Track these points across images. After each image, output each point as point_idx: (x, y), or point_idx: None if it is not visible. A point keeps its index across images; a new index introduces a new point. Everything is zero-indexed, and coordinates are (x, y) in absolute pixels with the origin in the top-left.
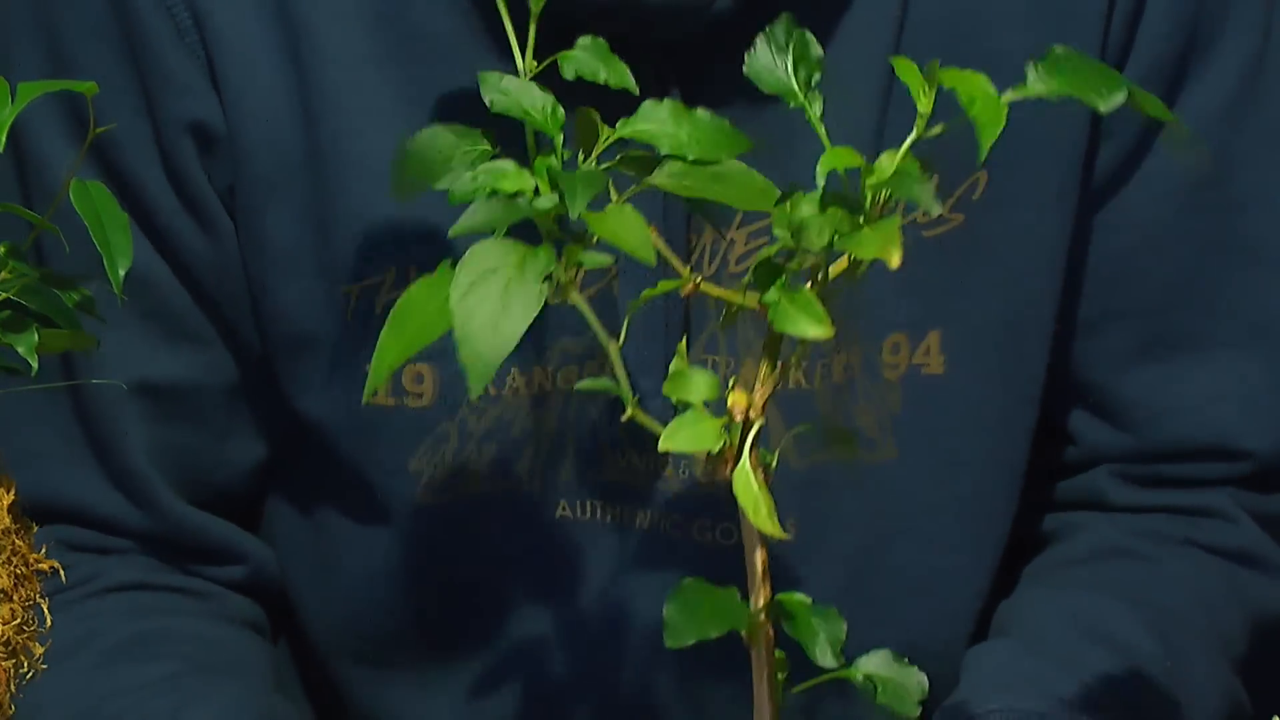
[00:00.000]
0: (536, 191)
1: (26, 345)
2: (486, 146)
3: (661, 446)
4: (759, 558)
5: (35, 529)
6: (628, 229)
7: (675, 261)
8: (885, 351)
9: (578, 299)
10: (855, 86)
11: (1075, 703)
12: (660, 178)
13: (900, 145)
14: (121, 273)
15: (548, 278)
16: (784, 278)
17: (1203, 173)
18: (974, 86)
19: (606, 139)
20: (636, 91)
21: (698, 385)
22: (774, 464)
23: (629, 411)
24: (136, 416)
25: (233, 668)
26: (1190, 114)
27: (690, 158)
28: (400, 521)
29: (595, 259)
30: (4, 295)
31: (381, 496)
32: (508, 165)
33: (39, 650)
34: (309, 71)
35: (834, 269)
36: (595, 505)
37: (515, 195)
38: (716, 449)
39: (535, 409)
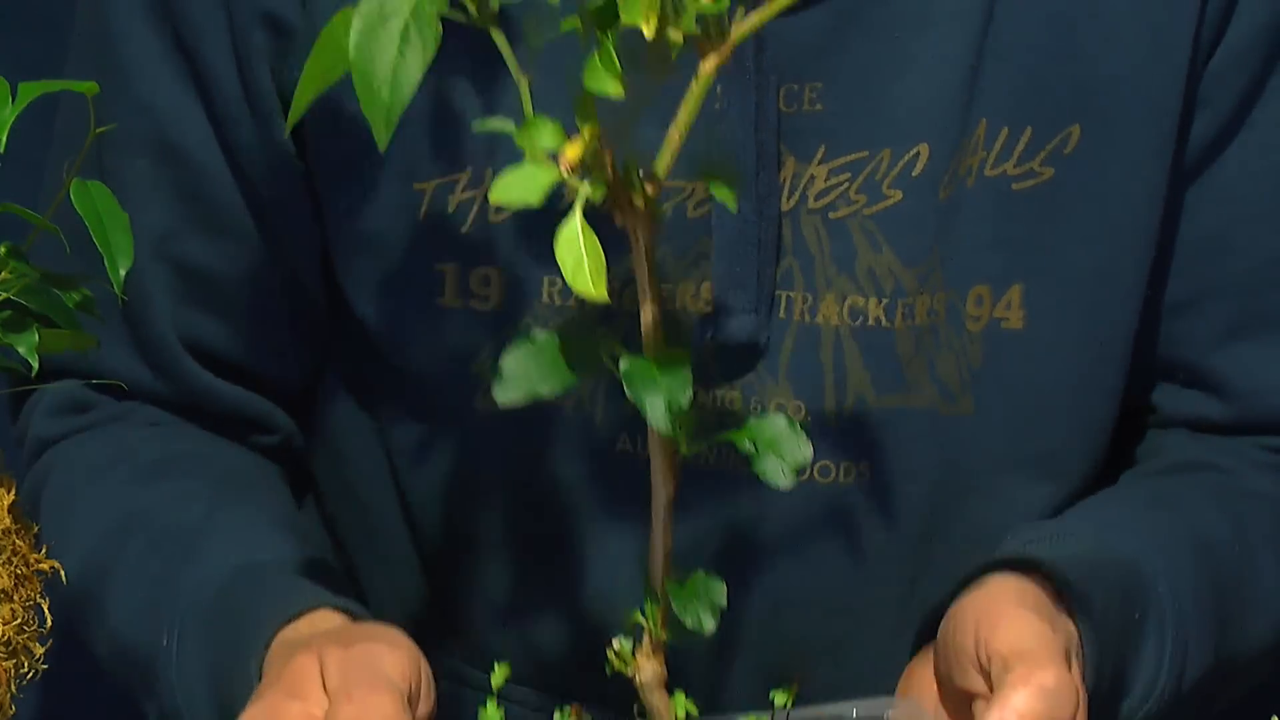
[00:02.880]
0: None
1: (27, 345)
2: None
3: (492, 198)
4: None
5: (36, 528)
6: None
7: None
8: (970, 302)
9: (498, 36)
10: None
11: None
12: None
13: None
14: (122, 272)
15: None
16: (615, 28)
17: None
18: None
19: None
20: None
21: (542, 134)
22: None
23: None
24: (164, 289)
25: (263, 487)
26: None
27: None
28: (459, 427)
29: None
30: (4, 295)
31: (441, 400)
32: None
33: (39, 650)
34: None
35: None
36: None
37: None
38: (539, 201)
39: (600, 326)
